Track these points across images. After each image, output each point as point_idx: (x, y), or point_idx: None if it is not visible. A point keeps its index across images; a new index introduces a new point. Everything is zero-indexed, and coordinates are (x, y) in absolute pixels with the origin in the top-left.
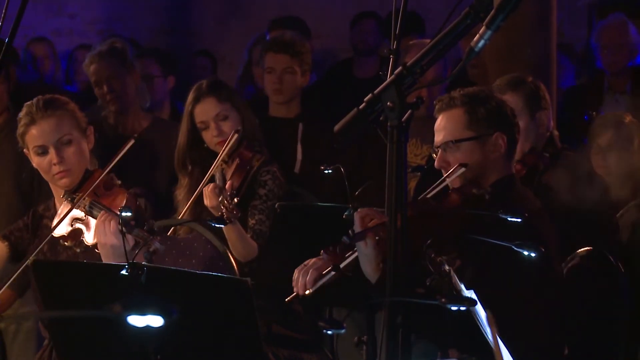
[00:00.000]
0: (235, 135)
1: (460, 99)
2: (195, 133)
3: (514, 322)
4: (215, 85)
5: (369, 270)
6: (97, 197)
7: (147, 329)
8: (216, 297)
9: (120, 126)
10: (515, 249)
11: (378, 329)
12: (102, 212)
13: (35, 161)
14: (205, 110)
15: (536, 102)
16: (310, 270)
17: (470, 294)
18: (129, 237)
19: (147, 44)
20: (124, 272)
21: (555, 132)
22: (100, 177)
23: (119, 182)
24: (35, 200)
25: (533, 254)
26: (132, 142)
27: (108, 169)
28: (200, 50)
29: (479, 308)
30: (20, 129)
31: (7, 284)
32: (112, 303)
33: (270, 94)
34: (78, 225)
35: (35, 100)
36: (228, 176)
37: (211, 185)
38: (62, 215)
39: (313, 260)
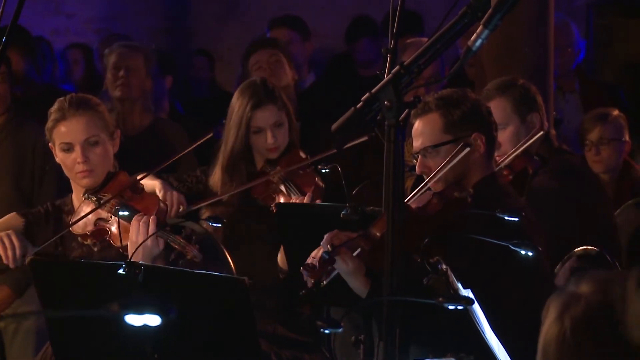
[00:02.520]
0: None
1: (435, 103)
2: (248, 136)
3: (509, 322)
4: (274, 92)
5: (358, 285)
6: (124, 199)
7: (145, 328)
8: (214, 296)
9: (120, 125)
10: (512, 248)
11: (375, 329)
12: (138, 214)
13: (60, 157)
14: (265, 117)
15: (526, 104)
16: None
17: (468, 293)
18: (161, 241)
19: (145, 43)
20: (121, 271)
21: (552, 131)
22: (127, 184)
23: (142, 185)
24: (35, 200)
25: (530, 253)
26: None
27: (140, 178)
28: (198, 50)
29: (477, 307)
30: (49, 123)
31: None
32: (110, 302)
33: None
34: (103, 224)
35: (68, 96)
36: (309, 192)
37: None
38: (84, 214)
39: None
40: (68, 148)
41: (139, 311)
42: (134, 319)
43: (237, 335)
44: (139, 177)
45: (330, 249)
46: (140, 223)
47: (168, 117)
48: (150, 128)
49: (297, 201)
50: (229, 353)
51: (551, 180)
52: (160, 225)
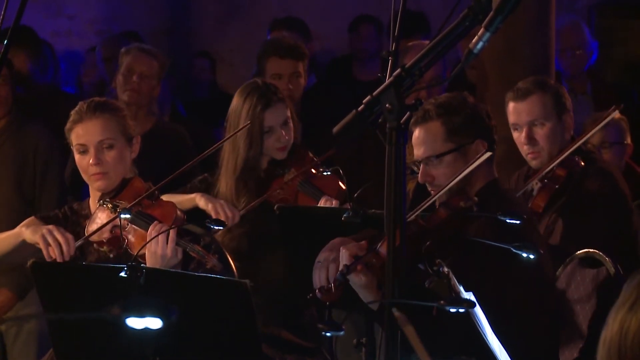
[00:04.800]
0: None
1: (435, 111)
2: (262, 139)
3: (511, 324)
4: (277, 91)
5: (371, 298)
6: (140, 207)
7: (146, 331)
8: (215, 298)
9: None
10: (514, 250)
11: (377, 331)
12: (155, 222)
13: (77, 159)
14: (275, 116)
15: (562, 104)
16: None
17: (469, 295)
18: (179, 250)
19: (146, 44)
20: (123, 274)
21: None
22: (149, 191)
23: (158, 192)
24: (36, 203)
25: (532, 256)
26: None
27: (157, 186)
28: (199, 51)
29: (478, 310)
30: (67, 125)
31: None
32: (111, 305)
33: None
34: (119, 232)
35: (89, 100)
36: (333, 194)
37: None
38: (103, 223)
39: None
40: (83, 150)
41: (140, 314)
42: (135, 322)
43: (239, 338)
44: (156, 186)
45: (345, 270)
46: (160, 233)
47: (170, 118)
48: (152, 131)
49: (327, 204)
50: (230, 356)
51: (605, 181)
52: (178, 233)
